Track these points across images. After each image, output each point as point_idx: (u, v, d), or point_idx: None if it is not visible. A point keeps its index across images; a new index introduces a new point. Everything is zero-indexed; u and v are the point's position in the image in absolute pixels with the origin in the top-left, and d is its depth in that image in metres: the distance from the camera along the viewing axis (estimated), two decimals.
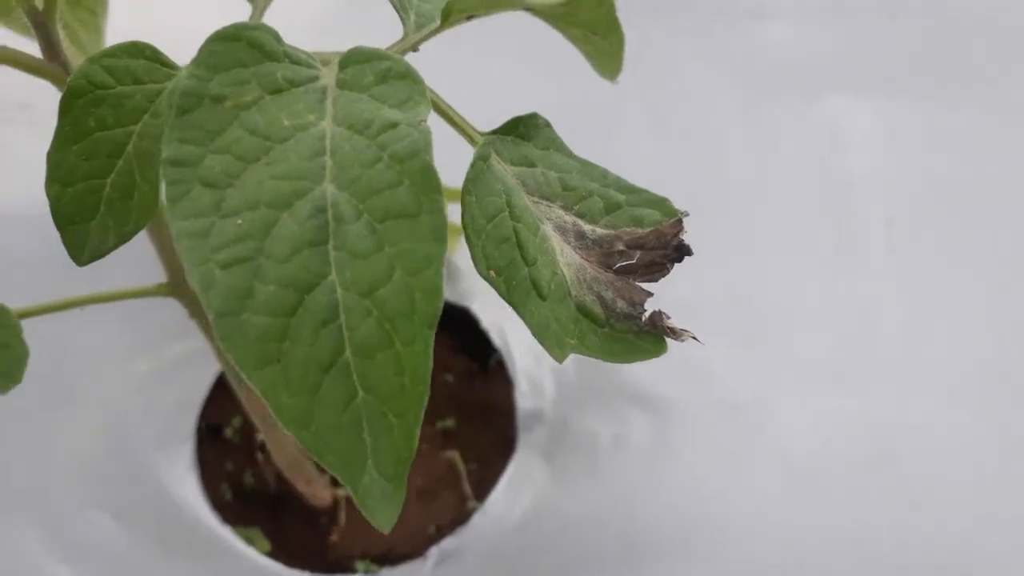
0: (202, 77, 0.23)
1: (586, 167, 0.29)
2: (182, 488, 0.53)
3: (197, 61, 0.24)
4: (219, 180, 0.22)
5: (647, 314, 0.26)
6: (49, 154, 0.27)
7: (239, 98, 0.24)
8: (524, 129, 0.28)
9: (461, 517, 0.53)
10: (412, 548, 0.53)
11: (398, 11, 0.28)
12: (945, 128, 0.61)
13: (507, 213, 0.26)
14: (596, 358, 0.26)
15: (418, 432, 0.21)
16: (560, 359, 0.25)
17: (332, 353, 0.21)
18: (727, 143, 0.60)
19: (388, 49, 0.27)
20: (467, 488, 0.54)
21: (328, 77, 0.25)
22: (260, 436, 0.53)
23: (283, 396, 0.21)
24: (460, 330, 0.59)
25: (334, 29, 0.60)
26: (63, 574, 0.50)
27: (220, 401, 0.56)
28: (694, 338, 0.25)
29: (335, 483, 0.54)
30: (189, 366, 0.56)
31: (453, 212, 0.43)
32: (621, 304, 0.26)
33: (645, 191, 0.29)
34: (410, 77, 0.24)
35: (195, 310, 0.42)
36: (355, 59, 0.25)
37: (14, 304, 0.34)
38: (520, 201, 0.27)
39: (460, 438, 0.56)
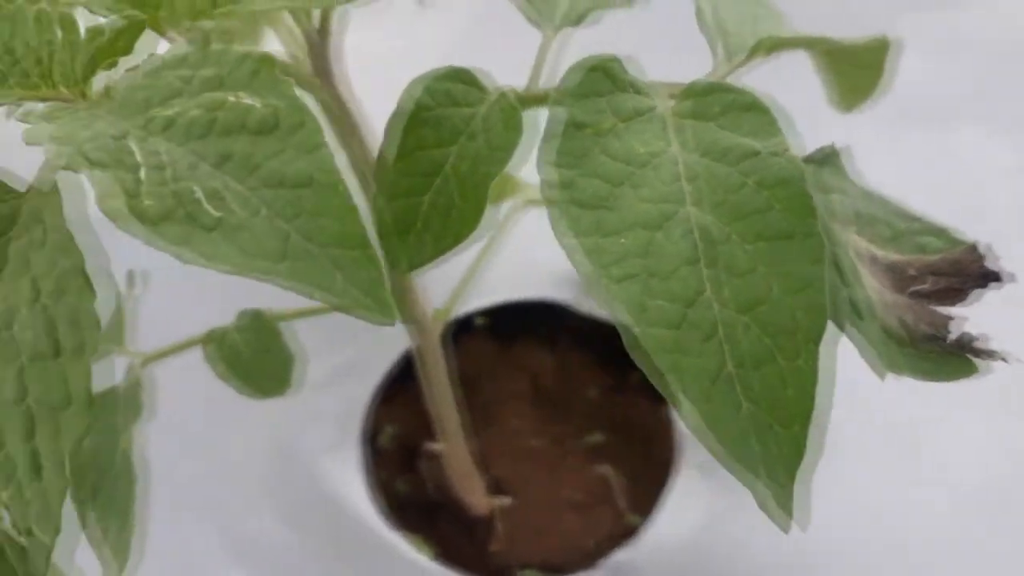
0: (567, 104, 0.25)
1: (867, 194, 0.30)
2: (348, 493, 0.54)
3: (563, 90, 0.25)
4: (592, 202, 0.24)
5: (953, 336, 0.27)
6: (376, 169, 0.29)
7: (598, 125, 0.25)
8: (823, 157, 0.29)
9: (620, 531, 0.54)
10: (571, 560, 0.54)
11: (709, 42, 0.30)
12: None
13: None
14: (908, 376, 0.27)
15: (805, 442, 0.23)
16: (882, 377, 0.27)
17: (717, 365, 0.23)
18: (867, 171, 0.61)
19: (701, 79, 0.28)
20: (622, 502, 0.55)
21: (662, 106, 0.26)
22: (427, 445, 0.55)
23: (683, 404, 0.22)
24: (606, 344, 0.60)
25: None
26: None
27: (382, 411, 0.58)
28: (1003, 360, 0.27)
29: (494, 493, 0.56)
30: (352, 376, 0.58)
31: None
32: (923, 327, 0.28)
33: (923, 219, 0.30)
34: (758, 108, 0.25)
35: (412, 325, 0.44)
36: (696, 91, 0.26)
37: None
38: (830, 224, 0.28)
39: (611, 453, 0.57)
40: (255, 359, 0.36)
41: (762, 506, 0.23)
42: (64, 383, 0.22)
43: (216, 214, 0.20)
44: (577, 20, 0.31)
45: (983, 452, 0.52)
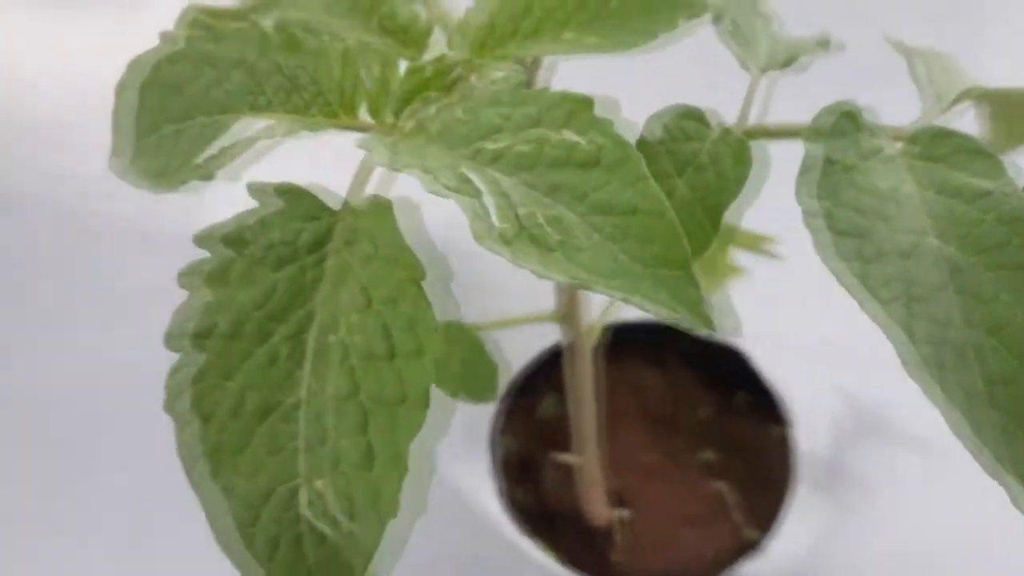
0: (818, 142, 0.28)
1: None
2: (478, 499, 0.56)
3: (816, 129, 0.28)
4: (851, 230, 0.27)
5: None
6: None
7: (844, 161, 0.28)
8: None
9: (738, 545, 0.56)
10: (690, 572, 0.56)
11: (920, 92, 0.33)
12: None
13: None
14: None
15: None
16: None
17: (970, 380, 0.25)
18: None
19: (908, 126, 0.31)
20: (739, 518, 0.58)
21: (889, 147, 0.29)
22: (557, 455, 0.57)
23: (946, 410, 0.25)
24: (713, 366, 0.63)
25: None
26: None
27: (504, 423, 0.60)
28: None
29: (615, 505, 0.58)
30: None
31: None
32: None
33: None
34: (982, 152, 0.28)
35: (571, 338, 0.46)
36: (924, 136, 0.29)
37: None
38: None
39: (724, 470, 0.60)
40: (464, 368, 0.39)
41: (1014, 502, 0.25)
42: (400, 382, 0.25)
43: (557, 237, 0.23)
44: (784, 63, 0.35)
45: None
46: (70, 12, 0.99)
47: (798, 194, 0.27)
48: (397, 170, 0.24)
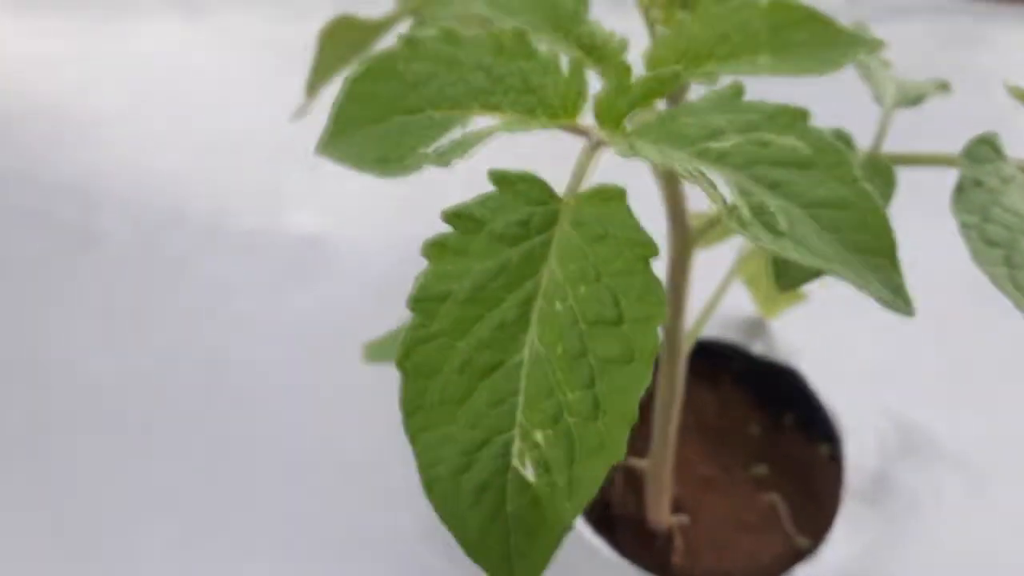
0: (969, 168, 0.33)
1: None
2: None
3: (967, 155, 0.33)
4: (1000, 240, 0.31)
5: None
6: None
7: (989, 185, 0.33)
8: None
9: (792, 552, 0.60)
10: (749, 574, 0.60)
11: None
12: None
13: None
14: None
15: None
16: None
17: None
18: None
19: None
20: (791, 528, 0.61)
21: (1021, 177, 0.34)
22: (631, 460, 0.60)
23: None
24: (767, 386, 0.67)
25: None
26: None
27: None
28: None
29: (675, 511, 0.61)
30: None
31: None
32: None
33: None
34: None
35: (671, 343, 0.50)
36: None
37: None
38: None
39: (776, 484, 0.64)
40: None
41: None
42: (629, 344, 0.28)
43: (785, 224, 0.27)
44: (910, 102, 0.39)
45: None
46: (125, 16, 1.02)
47: (955, 210, 0.32)
48: (646, 159, 0.28)
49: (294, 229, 0.74)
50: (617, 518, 0.62)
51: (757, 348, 0.67)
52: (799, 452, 0.65)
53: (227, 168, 0.81)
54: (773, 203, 0.27)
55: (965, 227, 0.31)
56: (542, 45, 0.33)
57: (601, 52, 0.35)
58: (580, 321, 0.29)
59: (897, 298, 0.27)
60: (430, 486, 0.30)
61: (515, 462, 0.30)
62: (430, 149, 0.32)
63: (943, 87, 0.41)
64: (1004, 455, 0.60)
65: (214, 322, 0.72)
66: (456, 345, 0.30)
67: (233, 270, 0.74)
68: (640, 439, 0.58)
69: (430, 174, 0.40)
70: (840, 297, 0.67)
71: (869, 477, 0.61)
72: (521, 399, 0.29)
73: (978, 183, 0.33)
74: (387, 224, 0.71)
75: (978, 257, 0.31)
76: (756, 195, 0.28)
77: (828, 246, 0.27)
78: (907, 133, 0.42)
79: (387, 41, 0.54)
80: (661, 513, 0.61)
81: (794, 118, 0.29)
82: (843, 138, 0.36)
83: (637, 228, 0.29)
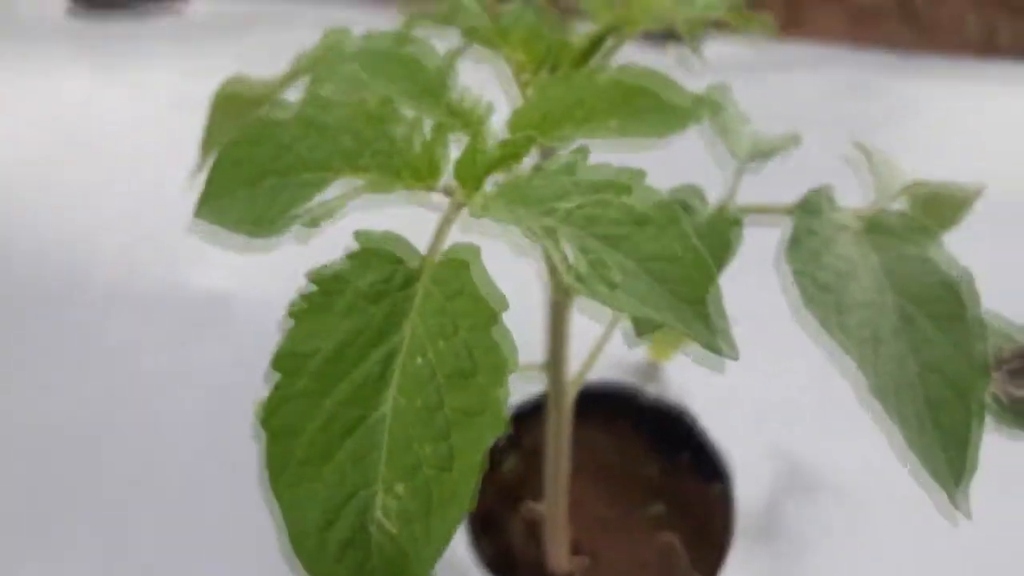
0: (803, 218, 0.36)
1: None
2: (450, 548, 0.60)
3: (801, 206, 0.36)
4: (829, 286, 0.34)
5: None
6: None
7: (822, 233, 0.36)
8: None
9: None
10: None
11: (875, 185, 0.41)
12: None
13: None
14: (1008, 427, 0.38)
15: (965, 459, 0.32)
16: (1004, 428, 0.37)
17: (916, 404, 0.33)
18: None
19: (867, 208, 0.39)
20: (686, 565, 0.63)
21: (854, 225, 0.37)
22: (529, 505, 0.61)
23: (897, 426, 0.32)
24: (663, 427, 0.69)
25: None
26: None
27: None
28: None
29: (575, 553, 0.63)
30: None
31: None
32: (1019, 393, 0.39)
33: (1004, 317, 0.42)
34: (926, 230, 0.36)
35: (555, 389, 0.52)
36: (882, 217, 0.37)
37: None
38: None
39: (672, 523, 0.65)
40: None
41: (951, 500, 0.32)
42: (482, 395, 0.30)
43: (619, 278, 0.29)
44: (763, 155, 0.43)
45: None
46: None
47: (788, 257, 0.35)
48: (494, 219, 0.30)
49: (199, 287, 0.74)
50: (519, 564, 0.63)
51: (651, 391, 0.69)
52: (694, 491, 0.67)
53: (134, 228, 0.81)
54: (611, 259, 0.30)
55: (798, 274, 0.34)
56: (408, 112, 0.35)
57: (467, 117, 0.37)
58: (438, 375, 0.30)
59: (721, 342, 0.29)
60: (297, 544, 0.31)
61: (379, 515, 0.31)
62: (301, 211, 0.33)
63: (795, 140, 0.44)
64: (882, 485, 0.64)
65: (120, 380, 0.71)
66: (320, 403, 0.31)
67: (139, 329, 0.73)
68: (539, 485, 0.59)
69: (331, 229, 0.42)
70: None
71: (759, 514, 0.63)
72: (384, 453, 0.31)
73: (811, 232, 0.35)
74: (289, 279, 0.71)
75: (810, 303, 0.34)
76: (595, 252, 0.30)
77: (659, 297, 0.29)
78: (785, 181, 0.45)
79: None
80: (560, 557, 0.62)
81: (632, 179, 0.31)
82: (696, 193, 0.39)
83: (489, 285, 0.31)
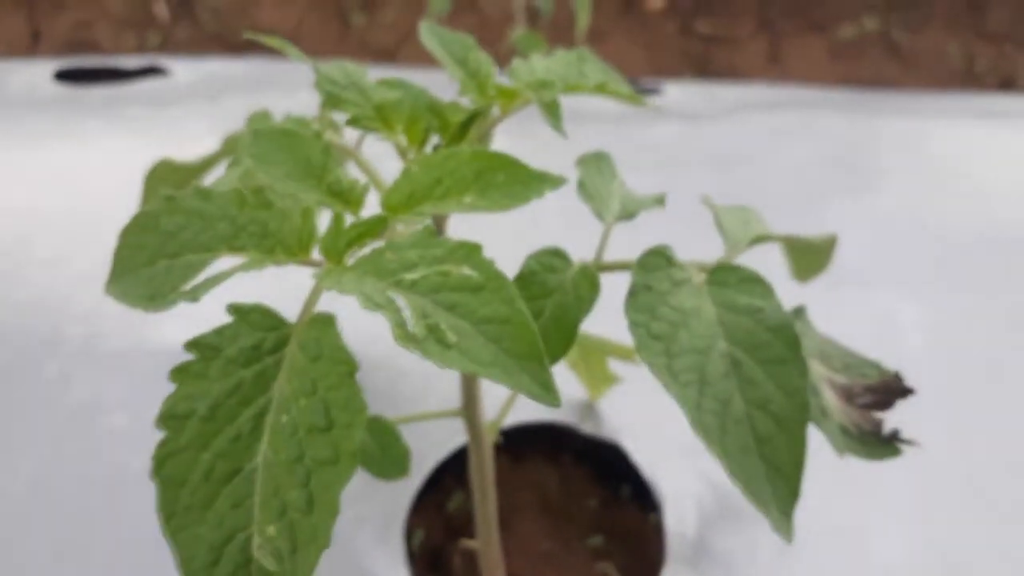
0: (641, 275, 0.39)
1: (824, 339, 0.45)
2: None
3: (639, 264, 0.40)
4: (662, 335, 0.38)
5: (885, 431, 0.42)
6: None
7: (658, 288, 0.40)
8: (796, 312, 0.44)
9: None
10: None
11: (722, 237, 0.45)
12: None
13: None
14: (855, 456, 0.41)
15: (799, 489, 0.36)
16: (840, 455, 0.40)
17: (744, 439, 0.36)
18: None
19: (720, 261, 0.43)
20: None
21: (696, 277, 0.41)
22: (464, 542, 0.65)
23: (724, 461, 0.35)
24: (604, 461, 0.73)
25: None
26: None
27: (414, 518, 0.68)
28: (916, 445, 0.41)
29: None
30: (387, 483, 0.68)
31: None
32: (866, 425, 0.42)
33: (861, 356, 0.45)
34: (759, 281, 0.40)
35: (473, 430, 0.56)
36: (719, 269, 0.41)
37: None
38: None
39: (610, 553, 0.69)
40: (379, 451, 0.47)
41: (776, 528, 0.35)
42: (335, 447, 0.34)
43: (453, 339, 0.33)
44: (628, 216, 0.47)
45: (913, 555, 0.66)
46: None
47: (626, 310, 0.38)
48: (343, 292, 0.34)
49: (165, 345, 0.79)
50: None
51: (587, 428, 0.73)
52: (632, 522, 0.70)
53: (103, 292, 0.86)
54: (447, 322, 0.34)
55: (633, 324, 0.38)
56: (284, 198, 0.39)
57: (346, 197, 0.41)
58: (300, 430, 0.34)
59: (546, 392, 0.33)
60: None
61: (256, 554, 0.34)
62: (187, 287, 0.38)
63: (659, 201, 0.48)
64: (808, 513, 0.67)
65: (88, 439, 0.75)
66: (200, 456, 0.35)
67: (106, 388, 0.78)
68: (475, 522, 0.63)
69: (286, 288, 0.46)
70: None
71: (689, 542, 0.66)
72: (257, 499, 0.35)
73: (648, 287, 0.39)
74: None
75: (642, 350, 0.37)
76: (433, 316, 0.34)
77: (490, 354, 0.33)
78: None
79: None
80: None
81: (470, 252, 0.35)
82: (558, 254, 0.43)
83: (342, 349, 0.35)
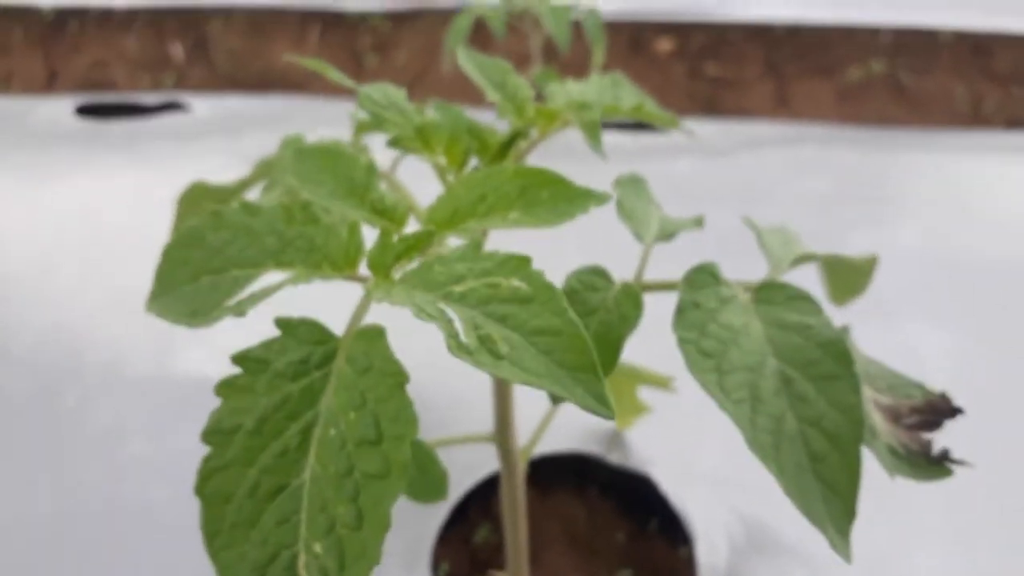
0: (688, 292, 0.39)
1: (869, 359, 0.45)
2: None
3: (686, 281, 0.39)
4: (712, 352, 0.37)
5: (935, 451, 0.41)
6: None
7: (706, 305, 0.39)
8: (843, 331, 0.44)
9: None
10: None
11: (766, 257, 0.45)
12: None
13: None
14: (906, 476, 0.40)
15: (855, 508, 0.35)
16: (891, 476, 0.39)
17: (798, 458, 0.35)
18: None
19: (767, 280, 0.43)
20: None
21: (741, 295, 0.41)
22: (492, 572, 0.64)
23: (781, 480, 0.35)
24: (632, 492, 0.72)
25: None
26: None
27: (448, 547, 0.67)
28: (969, 465, 0.40)
29: None
30: (412, 515, 0.67)
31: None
32: (914, 445, 0.41)
33: (905, 376, 0.44)
34: (808, 298, 0.40)
35: (506, 456, 0.55)
36: (767, 287, 0.41)
37: None
38: None
39: None
40: (417, 474, 0.46)
41: (832, 546, 0.34)
42: (386, 460, 0.33)
43: (506, 349, 0.33)
44: (667, 237, 0.46)
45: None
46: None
47: (675, 327, 0.38)
48: (394, 304, 0.34)
49: (186, 372, 0.78)
50: None
51: (614, 458, 0.72)
52: (661, 555, 0.69)
53: (125, 320, 0.86)
54: (498, 333, 0.33)
55: (683, 342, 0.38)
56: (329, 213, 0.39)
57: (390, 215, 0.41)
58: (348, 443, 0.34)
59: (600, 404, 0.33)
60: None
61: (302, 572, 0.34)
62: (232, 302, 0.38)
63: (698, 223, 0.48)
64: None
65: (110, 466, 0.74)
66: (246, 472, 0.34)
67: (128, 415, 0.77)
68: (503, 548, 0.62)
69: (330, 308, 0.46)
70: (686, 409, 0.73)
71: (721, 574, 0.65)
72: (304, 516, 0.34)
73: (696, 305, 0.39)
74: None
75: (693, 367, 0.37)
76: (485, 328, 0.33)
77: (542, 366, 0.33)
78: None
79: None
80: None
81: (519, 264, 0.35)
82: (599, 273, 0.43)
83: (392, 360, 0.34)
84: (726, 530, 0.67)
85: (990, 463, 0.73)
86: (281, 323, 0.36)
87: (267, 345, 0.36)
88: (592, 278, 0.43)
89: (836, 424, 0.36)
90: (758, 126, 1.42)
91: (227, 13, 1.72)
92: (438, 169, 0.46)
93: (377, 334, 0.35)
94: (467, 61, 0.49)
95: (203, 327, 0.38)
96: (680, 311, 0.39)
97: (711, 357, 0.37)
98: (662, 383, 0.64)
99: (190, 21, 1.71)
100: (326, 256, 0.38)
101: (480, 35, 1.70)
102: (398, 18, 1.74)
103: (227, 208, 0.38)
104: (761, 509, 0.68)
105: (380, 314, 0.38)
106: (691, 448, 0.72)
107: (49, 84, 1.75)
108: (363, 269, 0.38)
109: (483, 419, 0.56)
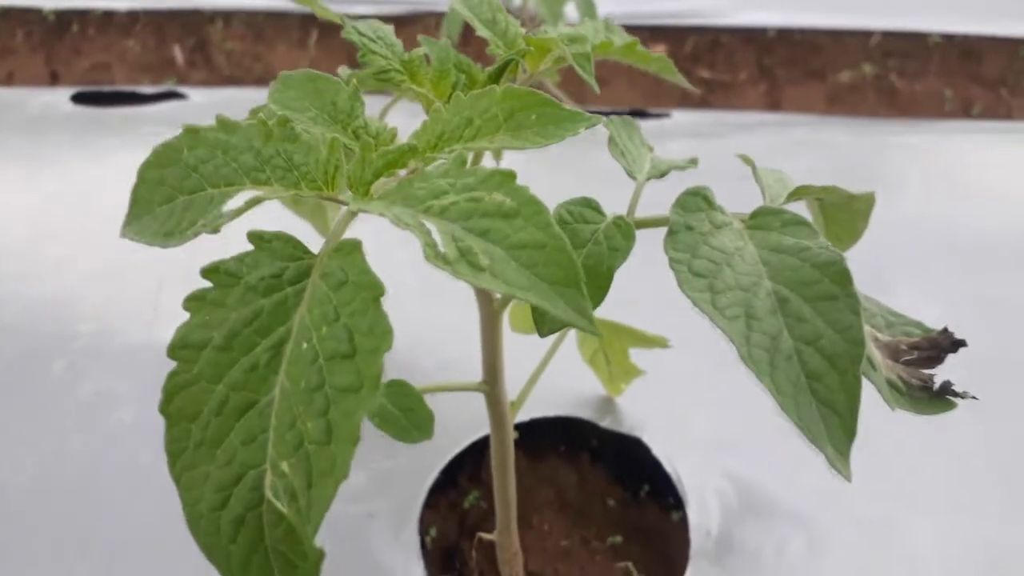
0: (680, 215, 0.38)
1: (866, 296, 0.43)
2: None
3: (677, 205, 0.38)
4: (705, 271, 0.36)
5: (937, 384, 0.39)
6: None
7: (700, 229, 0.38)
8: None
9: None
10: None
11: (761, 191, 0.43)
12: None
13: None
14: (907, 411, 0.38)
15: (855, 426, 0.33)
16: (892, 408, 0.38)
17: (795, 376, 0.34)
18: None
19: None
20: None
21: (736, 223, 0.39)
22: (481, 535, 0.62)
23: (778, 398, 0.33)
24: (624, 457, 0.70)
25: None
26: None
27: (436, 513, 0.65)
28: (973, 397, 0.38)
29: None
30: (400, 479, 0.66)
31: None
32: (915, 380, 0.40)
33: (905, 316, 0.43)
34: (804, 223, 0.38)
35: (495, 406, 0.53)
36: (761, 213, 0.39)
37: None
38: None
39: (630, 552, 0.65)
40: (402, 414, 0.45)
41: (831, 464, 0.33)
42: (358, 374, 0.32)
43: (486, 262, 0.32)
44: (659, 175, 0.45)
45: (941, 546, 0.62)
46: None
47: (666, 247, 0.37)
48: (372, 213, 0.33)
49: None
50: None
51: (606, 423, 0.70)
52: (652, 519, 0.67)
53: (112, 291, 0.85)
54: (479, 246, 0.32)
55: (674, 262, 0.36)
56: (308, 131, 0.38)
57: (377, 140, 0.40)
58: (320, 357, 0.32)
59: (582, 318, 0.31)
60: (193, 524, 0.33)
61: (268, 494, 0.32)
62: (207, 219, 0.36)
63: (693, 163, 0.47)
64: (839, 508, 0.64)
65: (96, 431, 0.73)
66: (214, 389, 0.33)
67: (115, 383, 0.76)
68: (492, 515, 0.60)
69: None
70: (678, 373, 0.71)
71: (714, 538, 0.63)
72: (272, 434, 0.32)
73: (688, 227, 0.38)
74: None
75: (685, 286, 0.35)
76: (465, 241, 0.32)
77: (524, 279, 0.31)
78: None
79: None
80: None
81: (504, 179, 0.34)
82: (590, 204, 0.42)
83: (368, 272, 0.33)
84: (718, 494, 0.65)
85: (986, 432, 0.71)
86: (254, 237, 0.34)
87: (239, 259, 0.34)
88: (583, 210, 0.42)
89: (834, 343, 0.35)
90: (749, 114, 1.42)
91: (227, 16, 1.71)
92: (425, 103, 0.45)
93: (353, 247, 0.34)
94: (458, 1, 0.48)
95: (175, 246, 0.37)
96: (672, 232, 0.37)
97: (703, 277, 0.36)
98: (658, 342, 0.62)
99: (191, 24, 1.71)
100: (304, 174, 0.37)
101: (475, 32, 1.70)
102: (395, 21, 1.74)
103: (204, 125, 0.37)
104: (754, 472, 0.66)
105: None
106: (684, 412, 0.71)
107: (50, 85, 1.74)
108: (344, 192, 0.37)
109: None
